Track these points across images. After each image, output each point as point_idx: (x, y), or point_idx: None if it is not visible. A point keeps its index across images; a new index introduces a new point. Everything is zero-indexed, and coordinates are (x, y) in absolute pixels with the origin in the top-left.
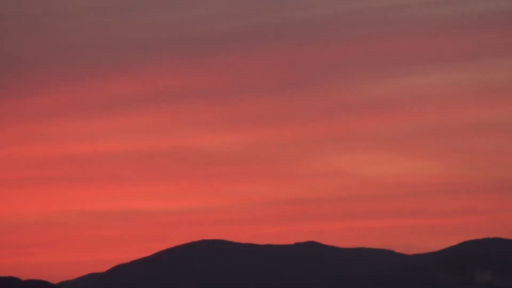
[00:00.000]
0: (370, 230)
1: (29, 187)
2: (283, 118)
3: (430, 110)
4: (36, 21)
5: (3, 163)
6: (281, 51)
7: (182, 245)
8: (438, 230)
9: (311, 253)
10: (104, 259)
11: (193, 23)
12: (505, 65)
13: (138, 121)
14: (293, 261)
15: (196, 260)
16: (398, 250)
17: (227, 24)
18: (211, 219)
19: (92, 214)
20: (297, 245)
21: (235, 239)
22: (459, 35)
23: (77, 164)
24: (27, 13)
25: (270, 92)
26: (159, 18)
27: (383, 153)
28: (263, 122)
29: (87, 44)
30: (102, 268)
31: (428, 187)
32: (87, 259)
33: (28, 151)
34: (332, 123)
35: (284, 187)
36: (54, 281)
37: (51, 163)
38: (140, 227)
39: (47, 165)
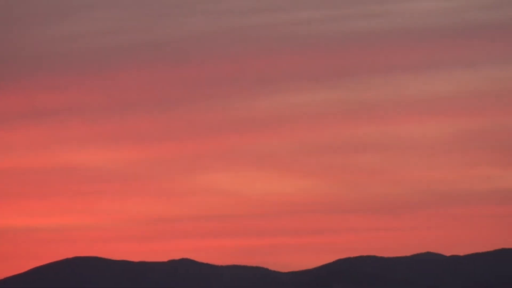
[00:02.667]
0: (245, 248)
1: None
2: (161, 135)
3: (306, 127)
4: None
5: None
6: (159, 67)
7: (56, 262)
8: (312, 248)
9: (185, 270)
10: None
11: (70, 39)
12: (377, 83)
13: (15, 137)
14: (167, 278)
15: (70, 277)
16: (272, 268)
17: (105, 41)
18: (86, 236)
19: None
20: (172, 262)
21: (109, 256)
22: (333, 53)
23: None
24: None
25: (147, 109)
26: (34, 33)
27: (259, 171)
28: (140, 139)
29: None
30: None
31: (303, 206)
32: None
33: None
34: (209, 140)
35: (161, 204)
36: None
37: None
38: (15, 244)
39: None
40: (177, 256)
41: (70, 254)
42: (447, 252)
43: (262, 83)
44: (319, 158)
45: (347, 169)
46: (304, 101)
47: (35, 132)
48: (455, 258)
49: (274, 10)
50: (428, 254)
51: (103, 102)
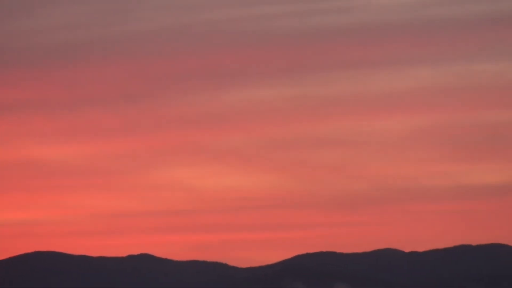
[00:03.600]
0: (205, 243)
1: None
2: (123, 130)
3: (268, 123)
4: None
5: None
6: (122, 62)
7: (15, 257)
8: (272, 244)
9: (144, 265)
10: None
11: (30, 34)
12: (339, 79)
13: None
14: (126, 273)
15: (29, 272)
16: (231, 263)
17: (67, 35)
18: (46, 231)
19: None
20: (131, 257)
21: (69, 250)
22: (296, 49)
23: None
24: None
25: (109, 104)
26: None
27: (220, 166)
28: (101, 134)
29: None
30: None
31: (264, 201)
32: None
33: None
34: (171, 135)
35: (120, 199)
36: None
37: None
38: None
39: None
40: (136, 251)
41: (30, 249)
42: (406, 248)
43: (225, 79)
44: (281, 154)
45: (308, 165)
46: (267, 96)
47: None
48: (414, 254)
49: (239, 6)
50: (388, 250)
51: (64, 97)
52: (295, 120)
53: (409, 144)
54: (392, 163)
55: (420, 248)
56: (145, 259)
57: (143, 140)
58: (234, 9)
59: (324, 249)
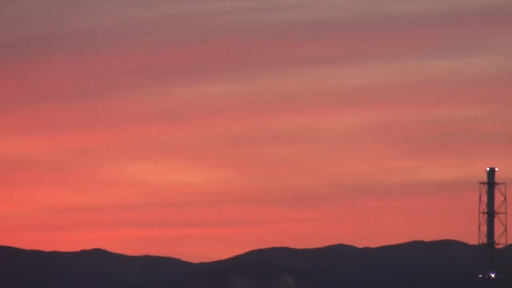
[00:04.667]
0: (158, 239)
1: None
2: (75, 125)
3: (220, 118)
4: None
5: None
6: (75, 58)
7: None
8: (225, 239)
9: (97, 260)
10: None
11: None
12: (292, 75)
13: None
14: (79, 268)
15: None
16: (184, 258)
17: (13, 32)
18: None
19: None
20: (83, 252)
21: (21, 245)
22: (249, 45)
23: None
24: None
25: (62, 100)
26: None
27: (173, 161)
28: (54, 129)
29: None
30: None
31: (216, 196)
32: None
33: None
34: (123, 131)
35: (73, 194)
36: None
37: None
38: None
39: None
40: (89, 246)
41: None
42: (359, 244)
43: (178, 75)
44: (233, 150)
45: (260, 160)
46: (219, 92)
47: None
48: (367, 250)
49: (191, 1)
50: (341, 246)
51: (17, 92)
52: (248, 116)
53: (362, 141)
54: (346, 160)
55: (373, 244)
56: (98, 254)
57: (96, 136)
58: (186, 4)
59: (277, 245)
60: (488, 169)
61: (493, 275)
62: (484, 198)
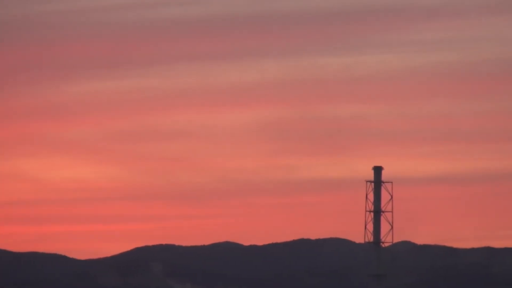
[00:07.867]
0: (46, 235)
1: None
2: None
3: (110, 115)
4: None
5: None
6: None
7: None
8: (112, 236)
9: None
10: None
11: None
12: (182, 71)
13: None
14: None
15: None
16: (71, 255)
17: None
18: None
19: None
20: None
21: None
22: (139, 41)
23: None
24: None
25: None
26: None
27: (64, 157)
28: None
29: None
30: None
31: (106, 193)
32: None
33: None
34: (14, 126)
35: None
36: None
37: None
38: None
39: None
40: None
41: None
42: (246, 242)
43: (69, 71)
44: (123, 146)
45: (150, 157)
46: (109, 88)
47: None
48: (253, 248)
49: None
50: (227, 244)
51: None
52: (138, 112)
53: (252, 138)
54: (235, 156)
55: (260, 242)
56: None
57: None
58: (77, 0)
59: (164, 242)
60: (374, 167)
61: (378, 273)
62: (371, 196)
